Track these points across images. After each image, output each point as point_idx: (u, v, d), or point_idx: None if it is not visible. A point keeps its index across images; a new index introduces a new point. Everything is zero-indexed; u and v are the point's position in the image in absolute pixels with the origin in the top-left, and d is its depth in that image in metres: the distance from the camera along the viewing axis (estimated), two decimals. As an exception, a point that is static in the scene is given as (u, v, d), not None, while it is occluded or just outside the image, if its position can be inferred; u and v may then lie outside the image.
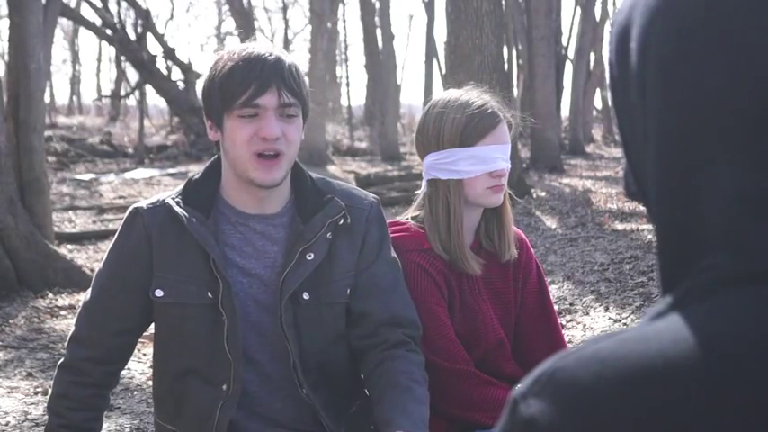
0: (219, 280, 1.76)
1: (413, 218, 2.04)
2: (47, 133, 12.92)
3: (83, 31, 32.65)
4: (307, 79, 1.84)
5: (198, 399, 1.81)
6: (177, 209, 1.79)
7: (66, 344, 1.93)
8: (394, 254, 1.91)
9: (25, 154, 7.23)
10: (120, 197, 12.89)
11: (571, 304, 5.48)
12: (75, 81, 40.41)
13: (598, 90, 25.63)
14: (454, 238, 1.95)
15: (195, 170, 1.95)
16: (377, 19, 21.60)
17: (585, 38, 20.97)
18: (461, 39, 9.07)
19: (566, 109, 22.34)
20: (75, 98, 39.55)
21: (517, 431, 0.56)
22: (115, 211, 10.96)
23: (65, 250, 7.89)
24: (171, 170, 17.05)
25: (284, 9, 35.72)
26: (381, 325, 1.83)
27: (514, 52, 20.02)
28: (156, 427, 1.94)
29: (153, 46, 31.34)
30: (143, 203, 1.86)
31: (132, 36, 18.90)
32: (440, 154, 1.95)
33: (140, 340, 1.97)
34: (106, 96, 30.50)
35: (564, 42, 22.35)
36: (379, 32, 21.49)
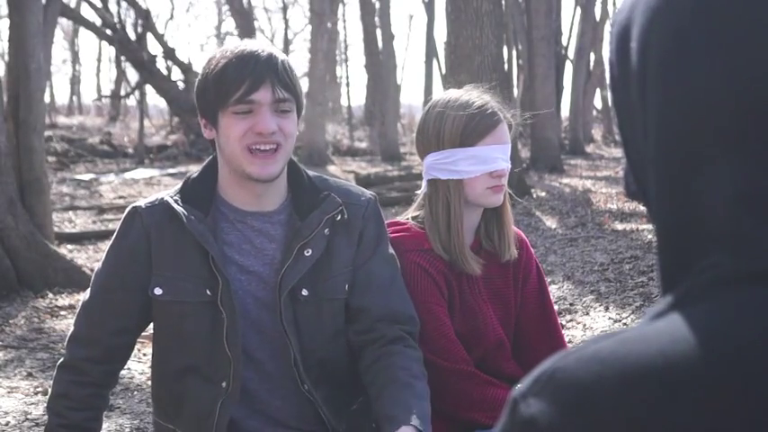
0: (218, 277, 1.77)
1: (413, 218, 2.04)
2: (47, 133, 12.93)
3: (83, 31, 32.66)
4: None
5: (198, 397, 1.81)
6: (176, 207, 1.80)
7: (65, 344, 1.94)
8: (391, 250, 1.92)
9: (25, 154, 7.23)
10: (120, 197, 12.90)
11: (571, 304, 5.49)
12: (75, 81, 40.43)
13: (598, 90, 25.63)
14: (454, 238, 1.95)
15: (195, 170, 1.96)
16: (377, 19, 21.59)
17: (585, 38, 20.97)
18: (461, 39, 9.07)
19: (566, 109, 22.35)
20: (75, 98, 39.56)
21: (517, 431, 0.56)
22: (115, 211, 10.96)
23: (65, 250, 7.89)
24: (171, 170, 17.05)
25: (284, 9, 35.74)
26: (378, 320, 1.84)
27: (514, 52, 20.01)
28: (155, 427, 1.94)
29: (153, 46, 31.35)
30: (141, 202, 1.87)
31: (132, 36, 18.90)
32: (440, 154, 1.95)
33: (140, 340, 1.98)
34: (106, 96, 30.51)
35: (564, 42, 22.36)
36: (379, 32, 21.49)
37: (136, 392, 4.20)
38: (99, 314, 1.87)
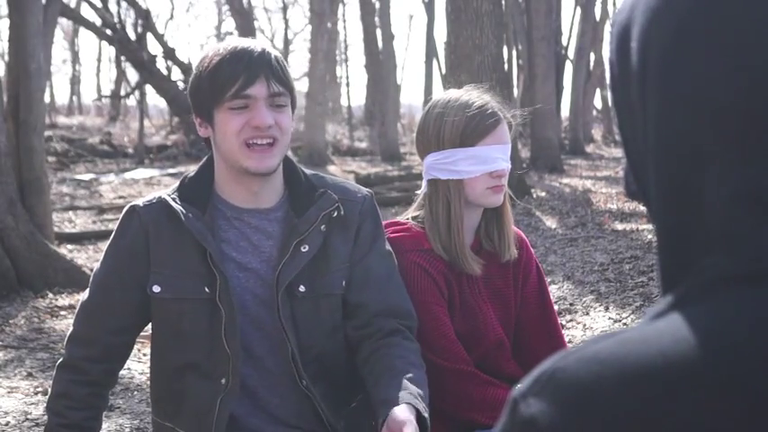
0: (216, 274, 1.77)
1: (413, 218, 2.04)
2: (47, 133, 12.93)
3: (83, 31, 32.65)
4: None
5: (197, 394, 1.82)
6: (174, 205, 1.81)
7: (64, 343, 1.94)
8: (388, 246, 1.92)
9: (25, 154, 7.23)
10: (121, 197, 12.90)
11: (571, 304, 5.49)
12: (75, 81, 40.41)
13: (598, 90, 25.64)
14: (454, 238, 1.95)
15: (192, 169, 1.97)
16: (377, 19, 21.59)
17: (585, 38, 20.97)
18: (461, 39, 9.07)
19: (566, 109, 22.35)
20: (75, 98, 39.55)
21: (517, 431, 0.56)
22: (115, 211, 10.96)
23: (65, 250, 7.89)
24: (171, 170, 17.05)
25: (284, 9, 35.76)
26: (376, 315, 1.85)
27: (514, 52, 20.01)
28: (155, 426, 1.94)
29: (153, 46, 31.35)
30: (139, 201, 1.88)
31: (132, 36, 18.89)
32: (440, 154, 1.95)
33: (140, 340, 1.98)
34: (106, 96, 30.50)
35: (564, 42, 22.36)
36: (379, 32, 21.49)
37: (136, 392, 4.20)
38: (98, 313, 1.87)
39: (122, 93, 26.30)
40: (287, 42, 35.81)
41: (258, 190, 1.84)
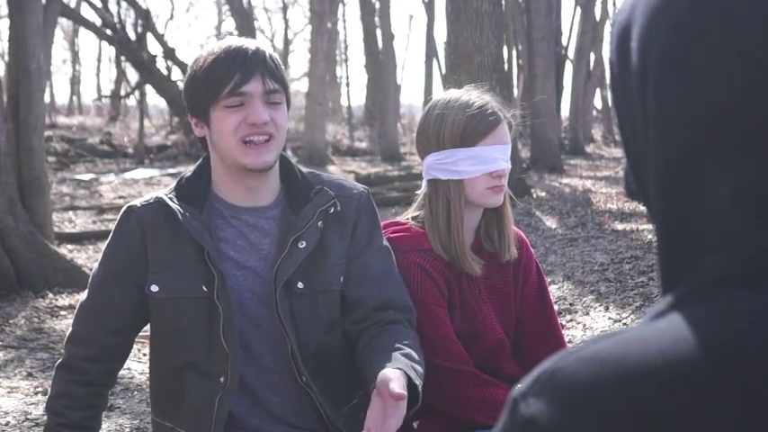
0: (214, 272, 1.78)
1: (413, 218, 2.04)
2: (47, 133, 12.93)
3: (83, 31, 32.65)
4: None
5: (196, 392, 1.82)
6: (171, 204, 1.82)
7: (63, 344, 1.94)
8: (385, 242, 1.93)
9: (25, 154, 7.23)
10: (120, 197, 12.90)
11: (571, 304, 5.49)
12: (75, 81, 40.39)
13: (598, 90, 25.63)
14: (454, 239, 1.95)
15: (189, 169, 1.98)
16: (377, 19, 21.59)
17: (585, 38, 20.97)
18: (461, 39, 9.07)
19: (566, 109, 22.35)
20: (75, 98, 39.53)
21: (517, 431, 0.56)
22: (115, 211, 10.96)
23: (65, 250, 7.89)
24: (171, 170, 17.05)
25: (284, 9, 35.75)
26: (374, 309, 1.85)
27: (514, 52, 20.00)
28: (154, 426, 1.94)
29: (153, 46, 31.35)
30: (136, 201, 1.89)
31: (132, 36, 18.89)
32: (440, 154, 1.95)
33: (140, 340, 1.98)
34: (106, 96, 30.50)
35: (564, 42, 22.37)
36: (379, 32, 21.49)
37: (136, 392, 4.20)
38: (96, 313, 1.88)
39: (122, 93, 26.31)
40: (287, 42, 35.81)
41: (255, 187, 1.84)
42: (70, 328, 1.92)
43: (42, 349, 5.00)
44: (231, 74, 1.74)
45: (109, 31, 18.41)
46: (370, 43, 21.35)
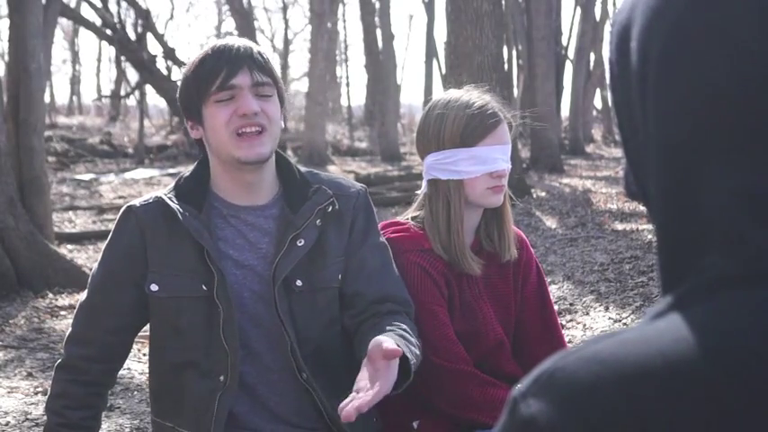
0: (214, 271, 1.78)
1: (413, 218, 2.04)
2: (47, 133, 12.93)
3: (83, 31, 32.64)
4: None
5: (196, 391, 1.82)
6: (170, 204, 1.83)
7: (63, 344, 1.95)
8: (383, 239, 1.94)
9: (25, 154, 7.24)
10: (120, 197, 12.91)
11: (571, 304, 5.49)
12: (75, 81, 40.39)
13: (598, 90, 25.63)
14: (454, 239, 1.95)
15: (188, 169, 1.99)
16: (377, 19, 21.59)
17: (585, 38, 20.97)
18: (461, 39, 9.07)
19: (566, 109, 22.35)
20: (75, 98, 39.52)
21: (517, 431, 0.56)
22: (115, 211, 10.96)
23: (65, 250, 7.90)
24: (171, 170, 17.06)
25: (284, 9, 35.75)
26: (373, 303, 1.86)
27: (514, 52, 20.01)
28: (154, 426, 1.94)
29: (153, 46, 31.37)
30: (136, 201, 1.90)
31: (132, 36, 18.87)
32: (440, 154, 1.95)
33: (140, 340, 1.98)
34: (106, 96, 30.50)
35: (564, 42, 22.36)
36: (379, 32, 21.49)
37: (136, 392, 4.20)
38: (96, 313, 1.88)
39: (122, 93, 26.31)
40: (287, 42, 35.80)
41: (252, 182, 1.85)
42: (70, 328, 1.92)
43: (42, 349, 5.00)
44: (219, 69, 1.76)
45: (109, 31, 18.40)
46: (370, 43, 21.35)
